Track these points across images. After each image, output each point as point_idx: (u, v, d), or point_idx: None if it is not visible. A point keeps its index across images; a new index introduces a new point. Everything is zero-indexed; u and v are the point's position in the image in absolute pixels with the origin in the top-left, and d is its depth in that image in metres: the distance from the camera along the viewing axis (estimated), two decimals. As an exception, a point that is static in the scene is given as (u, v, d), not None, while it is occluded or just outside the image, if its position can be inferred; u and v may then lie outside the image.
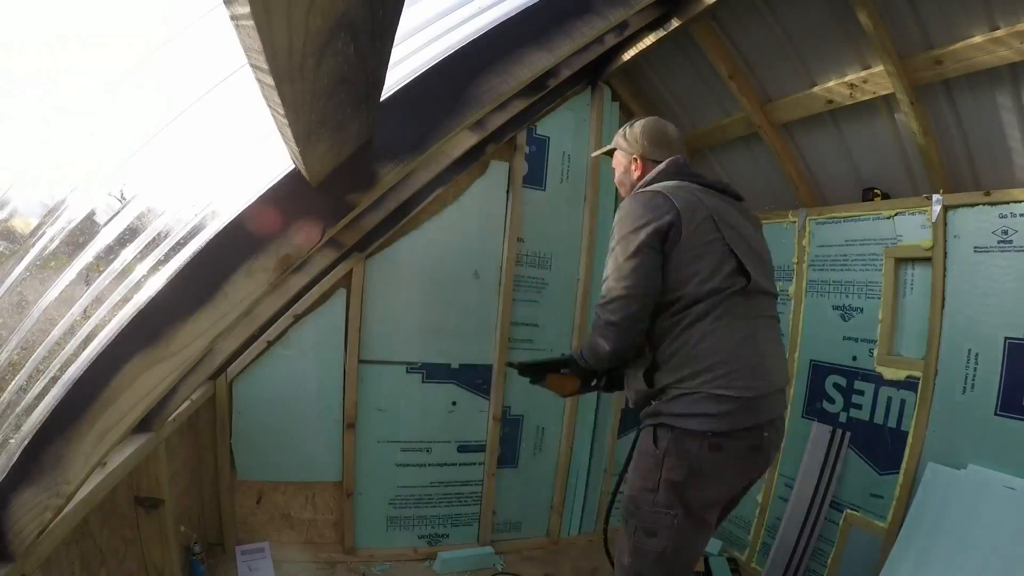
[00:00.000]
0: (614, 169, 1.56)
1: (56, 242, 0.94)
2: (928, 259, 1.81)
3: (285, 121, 0.68)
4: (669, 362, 1.24)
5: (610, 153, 1.58)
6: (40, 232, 0.92)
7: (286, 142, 0.85)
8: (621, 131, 1.54)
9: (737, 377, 1.19)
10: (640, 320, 1.24)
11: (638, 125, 1.50)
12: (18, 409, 0.99)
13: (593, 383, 1.51)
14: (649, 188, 1.34)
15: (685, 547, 1.25)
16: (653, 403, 1.26)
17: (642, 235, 1.23)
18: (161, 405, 1.47)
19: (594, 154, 1.81)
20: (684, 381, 1.21)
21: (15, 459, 0.90)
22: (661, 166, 1.42)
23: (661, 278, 1.24)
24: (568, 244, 2.52)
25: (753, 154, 2.38)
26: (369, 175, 1.05)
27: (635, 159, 1.48)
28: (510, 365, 1.97)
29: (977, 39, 1.47)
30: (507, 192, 2.39)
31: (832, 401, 2.11)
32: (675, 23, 1.90)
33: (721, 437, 1.18)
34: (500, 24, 1.22)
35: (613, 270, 1.26)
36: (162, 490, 1.50)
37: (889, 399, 1.91)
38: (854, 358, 2.04)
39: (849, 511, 1.97)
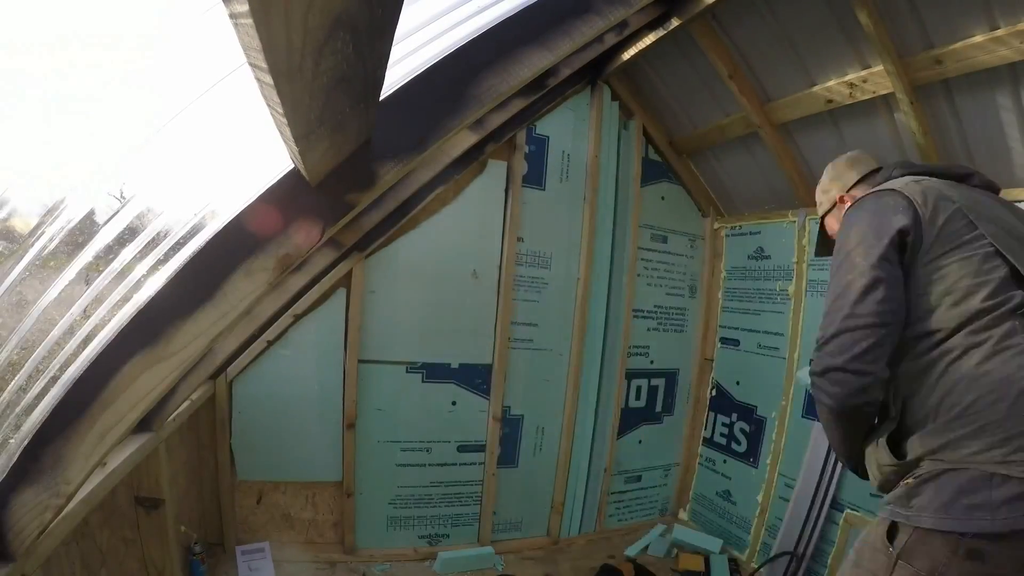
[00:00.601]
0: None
1: (56, 242, 0.94)
2: (928, 258, 1.80)
3: (284, 120, 0.68)
4: (921, 423, 0.93)
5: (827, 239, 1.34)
6: (39, 232, 0.92)
7: (285, 141, 0.85)
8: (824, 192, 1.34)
9: (1022, 446, 0.81)
10: (875, 361, 0.93)
11: (826, 173, 1.33)
12: (18, 409, 0.99)
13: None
14: (873, 190, 1.09)
15: None
16: (902, 484, 0.93)
17: (872, 247, 0.96)
18: (161, 405, 1.47)
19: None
20: (941, 451, 0.88)
21: (15, 459, 0.90)
22: (873, 174, 1.23)
23: (904, 302, 0.95)
24: (568, 244, 2.52)
25: (753, 154, 2.38)
26: (369, 174, 1.04)
27: (839, 198, 1.28)
28: None
29: (977, 39, 1.47)
30: (506, 192, 2.39)
31: (832, 401, 2.11)
32: (675, 22, 1.90)
33: (985, 541, 0.81)
34: (500, 23, 1.21)
35: (832, 299, 0.99)
36: (162, 490, 1.50)
37: (889, 399, 1.91)
38: (854, 358, 2.04)
39: (849, 511, 1.97)
